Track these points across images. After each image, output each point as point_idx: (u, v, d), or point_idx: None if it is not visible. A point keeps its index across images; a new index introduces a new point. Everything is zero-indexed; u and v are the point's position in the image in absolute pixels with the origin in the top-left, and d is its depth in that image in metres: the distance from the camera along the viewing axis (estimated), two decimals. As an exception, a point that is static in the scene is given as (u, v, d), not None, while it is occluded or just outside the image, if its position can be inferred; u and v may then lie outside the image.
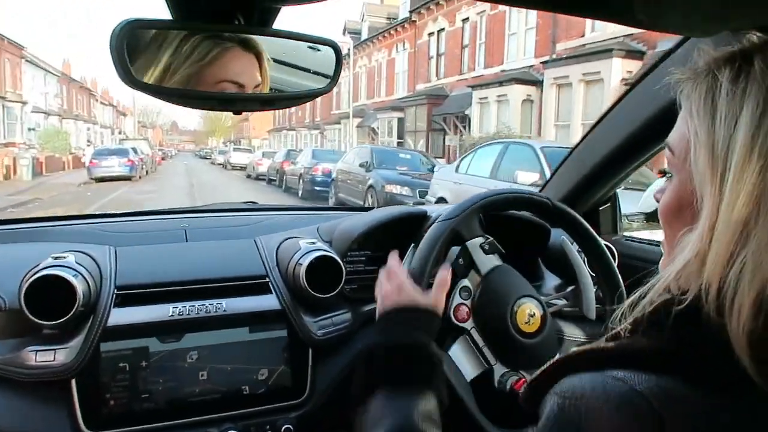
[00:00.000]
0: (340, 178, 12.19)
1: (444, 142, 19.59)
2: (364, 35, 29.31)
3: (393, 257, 0.96)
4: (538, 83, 15.12)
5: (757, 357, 0.43)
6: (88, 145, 35.07)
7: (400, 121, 22.70)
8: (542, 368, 0.58)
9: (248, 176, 23.46)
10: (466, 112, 17.74)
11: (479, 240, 1.10)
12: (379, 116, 24.66)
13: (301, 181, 14.23)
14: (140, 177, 21.67)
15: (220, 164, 35.84)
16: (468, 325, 1.06)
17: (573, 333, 1.17)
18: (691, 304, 0.47)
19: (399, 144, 22.24)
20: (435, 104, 20.29)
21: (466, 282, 1.08)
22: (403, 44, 24.76)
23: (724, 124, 0.48)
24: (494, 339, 1.05)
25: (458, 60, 20.10)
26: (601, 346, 0.53)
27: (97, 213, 1.61)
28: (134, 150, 22.34)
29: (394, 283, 0.90)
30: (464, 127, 18.30)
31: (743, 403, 0.44)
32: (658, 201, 0.60)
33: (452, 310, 1.05)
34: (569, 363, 0.54)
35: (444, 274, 0.93)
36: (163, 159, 42.45)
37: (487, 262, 1.10)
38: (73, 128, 36.57)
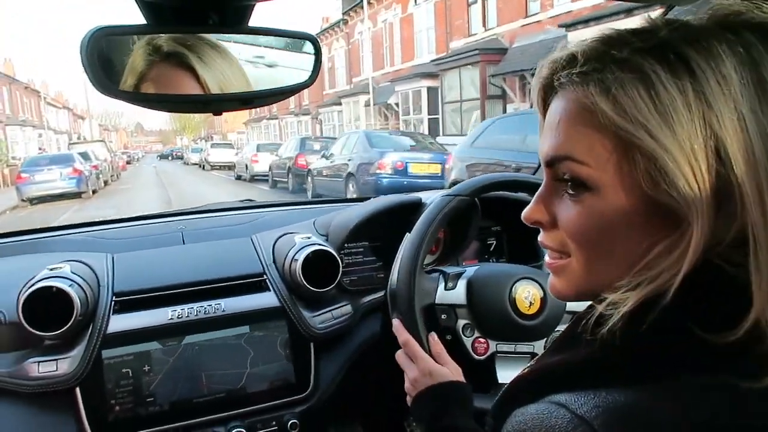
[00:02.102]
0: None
1: (505, 113, 14.16)
2: (365, -8, 22.46)
3: (399, 327, 0.99)
4: None
5: None
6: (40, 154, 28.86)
7: (432, 91, 17.09)
8: (496, 399, 0.55)
9: (238, 177, 18.08)
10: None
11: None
12: (397, 89, 18.91)
13: (352, 184, 8.93)
14: (94, 191, 16.02)
15: (195, 164, 30.83)
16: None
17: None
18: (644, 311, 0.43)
19: (432, 121, 16.70)
20: (490, 62, 14.43)
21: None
22: (425, -8, 18.85)
23: (691, 127, 0.42)
24: (488, 317, 1.05)
25: (521, -3, 14.54)
26: (543, 364, 0.51)
27: (94, 221, 1.52)
28: (84, 156, 16.58)
29: (422, 367, 0.92)
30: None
31: (693, 398, 0.41)
32: (538, 224, 0.53)
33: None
34: (516, 392, 0.52)
35: (434, 343, 0.97)
36: (128, 163, 37.99)
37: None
38: (20, 135, 31.35)
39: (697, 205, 0.42)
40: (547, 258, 0.54)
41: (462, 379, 0.91)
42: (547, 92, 0.52)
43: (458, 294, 1.06)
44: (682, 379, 0.41)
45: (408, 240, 1.06)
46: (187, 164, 33.50)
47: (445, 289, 1.06)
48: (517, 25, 14.49)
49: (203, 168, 26.33)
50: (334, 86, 27.60)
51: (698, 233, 0.42)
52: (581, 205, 0.48)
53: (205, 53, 0.70)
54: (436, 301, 1.06)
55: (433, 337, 0.98)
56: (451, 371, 0.91)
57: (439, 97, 16.68)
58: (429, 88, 17.21)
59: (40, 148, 32.29)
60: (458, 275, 1.08)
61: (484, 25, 16.12)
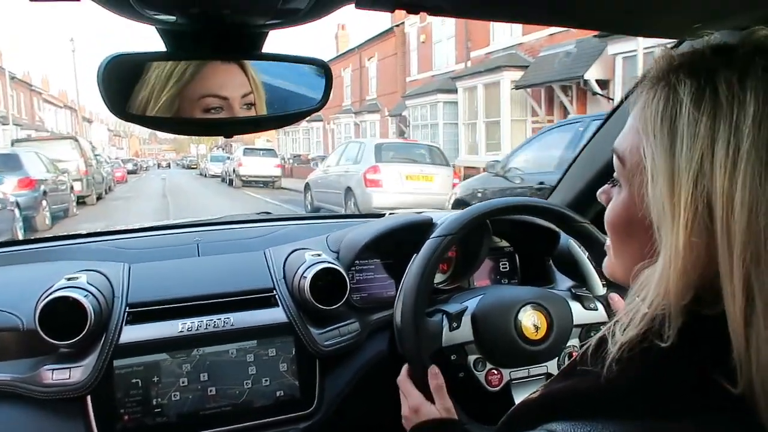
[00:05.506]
0: None
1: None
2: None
3: (403, 374, 1.02)
4: None
5: None
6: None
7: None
8: (498, 424, 0.55)
9: (316, 211, 10.26)
10: None
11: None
12: (613, 50, 9.92)
13: None
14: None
15: (215, 176, 25.18)
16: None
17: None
18: (653, 343, 0.43)
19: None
20: None
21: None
22: None
23: (688, 158, 0.41)
24: (497, 349, 1.07)
25: None
26: (549, 390, 0.51)
27: (113, 230, 1.54)
28: (6, 163, 8.99)
29: (411, 404, 0.95)
30: None
31: None
32: (603, 202, 0.56)
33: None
34: (518, 417, 0.52)
35: (434, 376, 0.97)
36: (132, 173, 33.50)
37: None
38: (-1, 136, 23.80)
39: (666, 234, 0.42)
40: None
41: (453, 415, 0.92)
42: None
43: (464, 332, 1.08)
44: (684, 419, 0.40)
45: (407, 286, 1.07)
46: (204, 176, 27.90)
47: (450, 330, 1.07)
48: None
49: (230, 183, 19.84)
50: (428, 68, 18.72)
51: (667, 264, 0.42)
52: (615, 196, 0.53)
53: None
54: (444, 344, 1.07)
55: (432, 370, 0.98)
56: (441, 408, 0.93)
57: None
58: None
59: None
60: (461, 313, 1.09)
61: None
